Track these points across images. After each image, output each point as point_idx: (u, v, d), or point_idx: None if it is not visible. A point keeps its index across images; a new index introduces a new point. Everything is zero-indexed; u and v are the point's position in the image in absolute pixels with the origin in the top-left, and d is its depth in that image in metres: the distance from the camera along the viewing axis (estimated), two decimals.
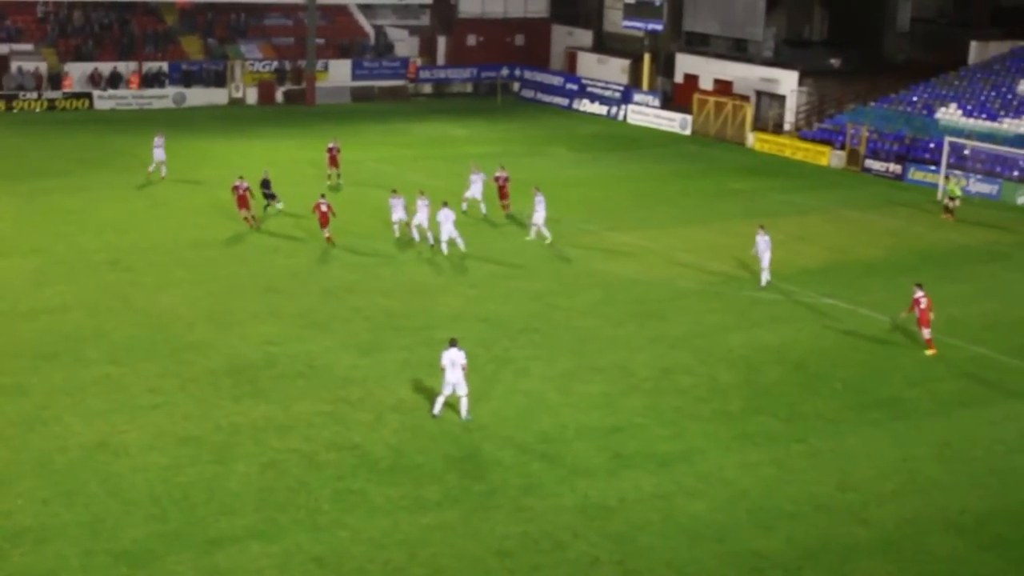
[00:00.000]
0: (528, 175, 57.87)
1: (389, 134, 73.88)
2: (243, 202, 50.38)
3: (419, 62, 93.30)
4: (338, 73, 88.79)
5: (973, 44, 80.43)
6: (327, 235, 48.21)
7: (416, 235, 49.06)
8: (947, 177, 61.73)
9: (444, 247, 47.54)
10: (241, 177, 50.88)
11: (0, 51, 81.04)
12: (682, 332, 40.11)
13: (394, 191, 50.83)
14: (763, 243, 45.46)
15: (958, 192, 59.07)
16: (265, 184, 53.41)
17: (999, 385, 36.78)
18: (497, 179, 53.90)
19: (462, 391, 32.05)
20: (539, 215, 50.09)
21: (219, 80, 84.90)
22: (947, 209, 58.73)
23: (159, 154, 57.76)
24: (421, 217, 48.71)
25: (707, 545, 26.34)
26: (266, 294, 42.10)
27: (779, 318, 42.04)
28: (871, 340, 40.15)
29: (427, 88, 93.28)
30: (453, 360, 31.94)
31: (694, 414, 33.33)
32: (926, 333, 39.11)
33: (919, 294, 39.12)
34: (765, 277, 45.49)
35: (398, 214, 49.92)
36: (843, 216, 58.01)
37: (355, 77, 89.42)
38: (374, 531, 26.25)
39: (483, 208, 53.97)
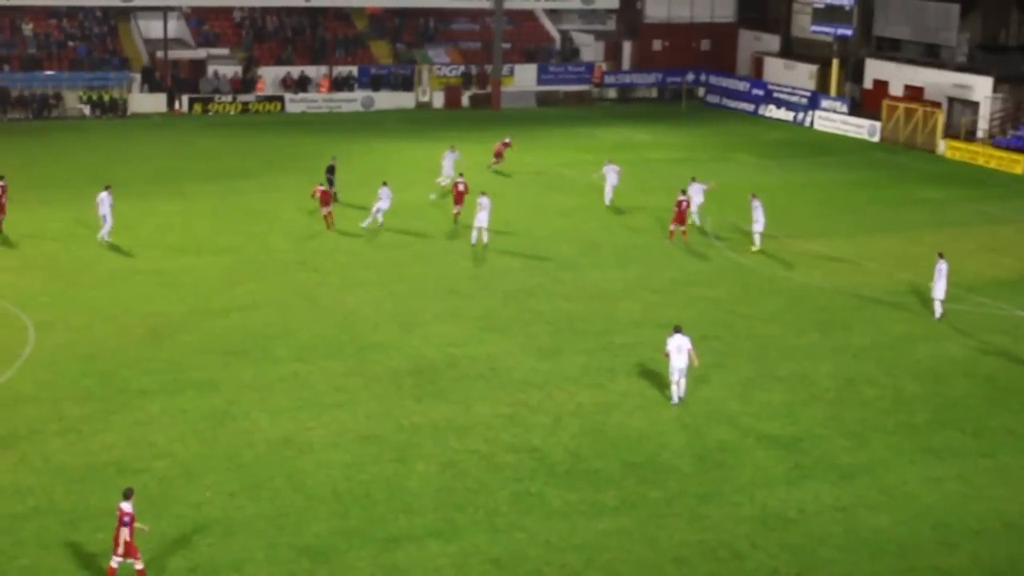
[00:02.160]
0: (714, 181, 57.38)
1: (573, 138, 74.07)
2: (459, 198, 52.04)
3: (604, 67, 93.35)
4: (523, 77, 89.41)
5: None
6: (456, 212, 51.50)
7: (474, 237, 49.23)
8: None
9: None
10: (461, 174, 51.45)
11: (198, 55, 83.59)
12: (866, 342, 39.39)
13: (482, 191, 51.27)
14: (939, 272, 42.02)
15: None
16: (330, 171, 55.26)
17: None
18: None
19: (683, 376, 33.30)
20: (759, 224, 49.50)
21: (407, 84, 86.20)
22: None
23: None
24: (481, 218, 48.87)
25: (889, 560, 25.82)
26: (448, 296, 42.58)
27: (968, 330, 40.98)
28: None
29: (612, 93, 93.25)
30: (679, 346, 33.03)
31: (877, 426, 32.70)
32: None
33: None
34: (939, 310, 42.21)
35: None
36: None
37: (540, 81, 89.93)
38: (551, 534, 26.36)
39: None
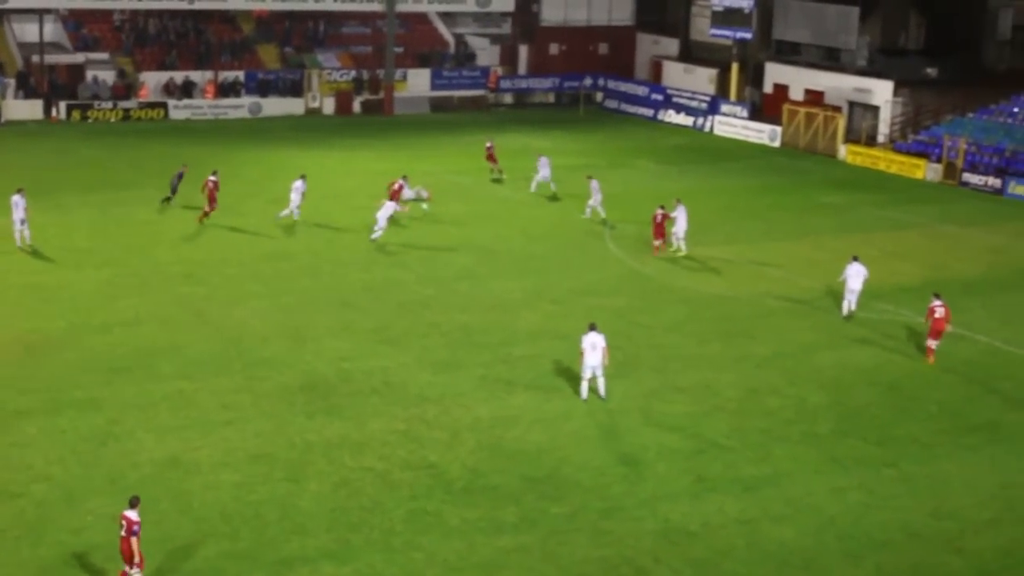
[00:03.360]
0: (612, 188, 57.75)
1: (468, 145, 74.02)
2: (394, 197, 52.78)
3: (500, 71, 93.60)
4: (417, 82, 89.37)
5: None
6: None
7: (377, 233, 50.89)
8: None
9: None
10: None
11: (76, 60, 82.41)
12: (770, 351, 39.84)
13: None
14: (853, 271, 43.43)
15: None
16: (179, 178, 55.66)
17: None
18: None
19: (600, 372, 34.32)
20: (680, 229, 50.81)
21: (296, 90, 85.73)
22: None
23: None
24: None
25: (793, 573, 26.13)
26: (341, 308, 42.37)
27: (872, 338, 41.63)
28: (968, 361, 39.65)
29: (508, 98, 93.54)
30: (594, 343, 33.98)
31: (781, 436, 33.08)
32: (931, 343, 39.38)
33: (936, 303, 39.38)
34: (846, 307, 43.56)
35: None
36: (940, 232, 57.37)
37: (434, 87, 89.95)
38: (449, 553, 26.31)
39: (600, 212, 55.45)
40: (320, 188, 58.79)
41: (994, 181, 68.04)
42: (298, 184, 53.28)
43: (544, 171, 61.21)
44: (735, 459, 31.55)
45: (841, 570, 26.37)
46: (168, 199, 55.85)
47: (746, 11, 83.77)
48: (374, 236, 50.77)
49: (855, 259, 43.91)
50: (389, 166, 64.71)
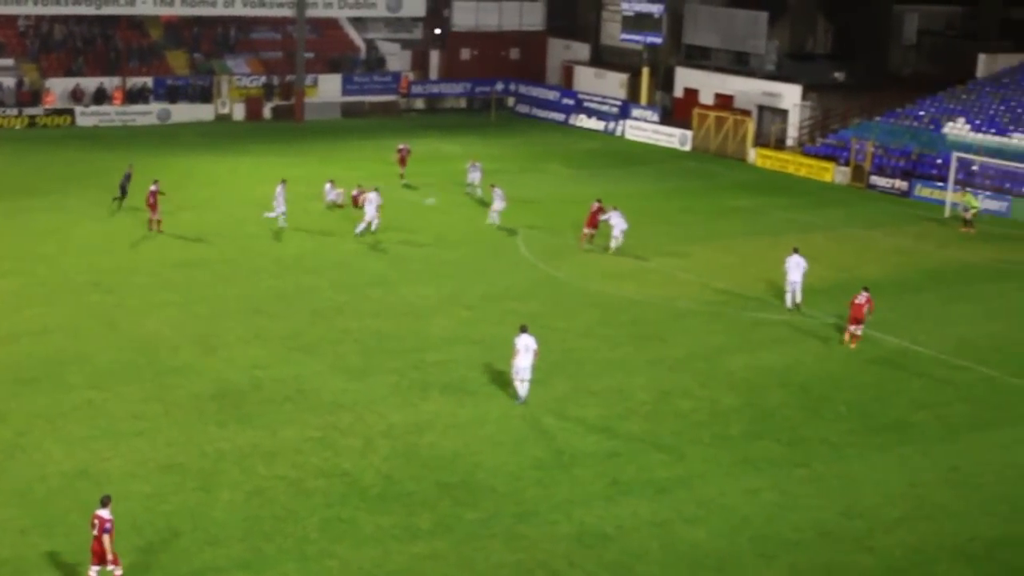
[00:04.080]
0: (524, 192, 57.91)
1: (379, 150, 73.75)
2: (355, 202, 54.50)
3: (411, 76, 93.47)
4: (328, 88, 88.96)
5: (982, 57, 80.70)
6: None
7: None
8: (963, 192, 61.77)
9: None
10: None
11: None
12: (682, 354, 40.14)
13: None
14: (793, 263, 45.13)
15: (976, 204, 59.45)
16: (127, 179, 55.97)
17: (1009, 408, 36.82)
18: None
19: (528, 376, 34.53)
20: (618, 229, 51.90)
21: (205, 96, 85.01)
22: (966, 222, 59.09)
23: None
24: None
25: (707, 574, 26.35)
26: (253, 316, 42.10)
27: (782, 339, 42.08)
28: (877, 362, 40.20)
29: (419, 103, 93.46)
30: (527, 345, 34.29)
31: (694, 439, 33.34)
32: (851, 329, 41.40)
33: (863, 294, 41.29)
34: (790, 299, 45.27)
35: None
36: (848, 234, 58.08)
37: (345, 92, 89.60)
38: (364, 561, 26.23)
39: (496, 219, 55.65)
40: (231, 195, 58.45)
41: (901, 184, 69.02)
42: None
43: (472, 175, 61.54)
44: (649, 462, 31.75)
45: (754, 570, 26.63)
46: (118, 199, 55.65)
47: (656, 16, 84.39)
48: (359, 229, 52.78)
49: (795, 251, 45.40)
50: (300, 172, 64.45)
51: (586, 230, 52.91)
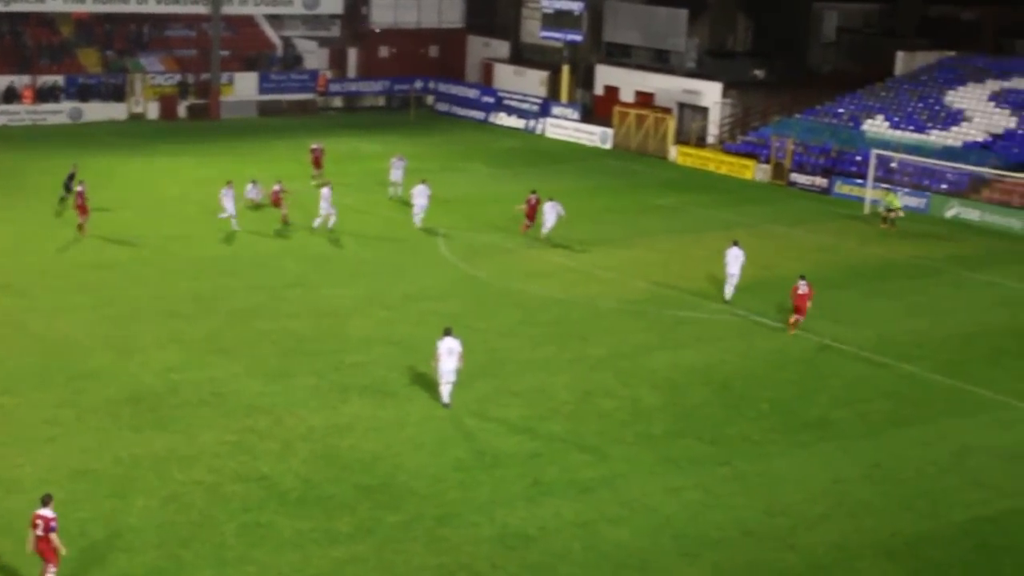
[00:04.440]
0: (444, 191, 57.83)
1: (297, 150, 73.32)
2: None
3: (329, 75, 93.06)
4: (244, 86, 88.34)
5: (900, 54, 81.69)
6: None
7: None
8: (887, 191, 62.38)
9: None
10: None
11: None
12: (604, 353, 40.26)
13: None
14: (731, 256, 46.14)
15: (898, 204, 60.11)
16: (70, 178, 55.74)
17: (929, 404, 37.28)
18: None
19: (453, 379, 34.41)
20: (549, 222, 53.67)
21: (118, 94, 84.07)
22: (885, 220, 59.74)
23: None
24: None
25: (630, 574, 26.42)
26: (168, 319, 41.71)
27: (704, 337, 42.33)
28: (799, 360, 40.55)
29: (337, 102, 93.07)
30: (451, 348, 34.07)
31: (616, 438, 33.43)
32: (793, 318, 42.85)
33: (801, 283, 42.74)
34: (729, 291, 46.38)
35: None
36: (769, 232, 58.55)
37: (262, 91, 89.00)
38: (283, 566, 26.05)
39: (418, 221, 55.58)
40: (145, 196, 57.94)
41: (821, 181, 69.70)
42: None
43: (395, 173, 61.38)
44: (571, 462, 31.80)
45: (677, 570, 26.74)
46: (63, 198, 55.44)
47: (576, 13, 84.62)
48: (316, 223, 53.61)
49: (735, 244, 46.34)
50: (215, 172, 63.94)
51: (527, 222, 54.40)
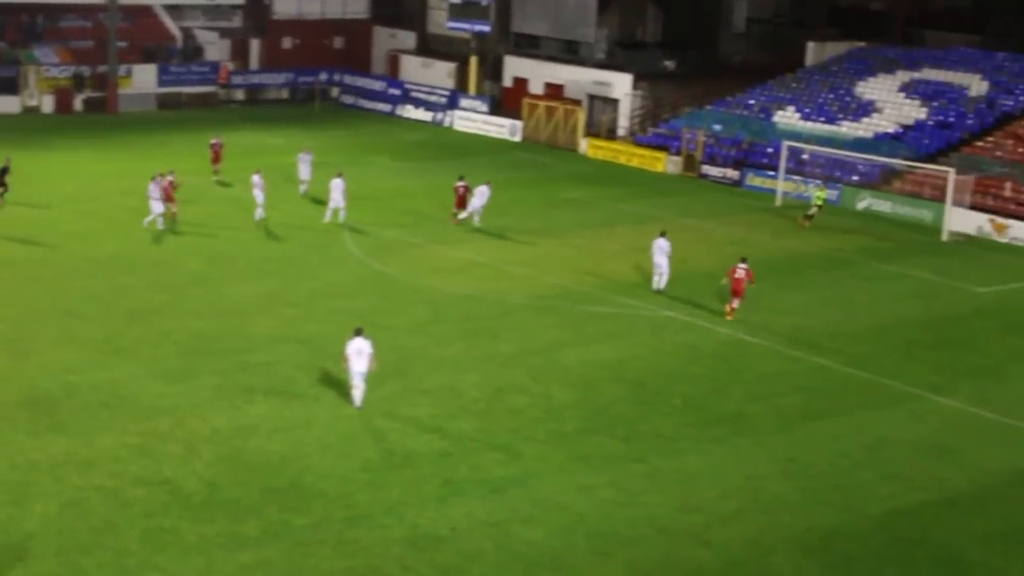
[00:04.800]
0: (351, 186, 57.46)
1: (198, 144, 72.71)
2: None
3: (231, 66, 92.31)
4: (143, 79, 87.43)
5: (810, 45, 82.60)
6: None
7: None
8: (819, 185, 62.50)
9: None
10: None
11: None
12: (514, 350, 40.31)
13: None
14: (657, 247, 46.94)
15: (821, 200, 60.22)
16: (3, 172, 55.63)
17: (842, 397, 37.74)
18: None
19: (362, 380, 34.06)
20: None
21: (11, 87, 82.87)
22: (808, 216, 59.71)
23: None
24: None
25: (543, 574, 26.47)
26: (65, 319, 41.20)
27: (616, 333, 42.53)
28: (712, 355, 40.86)
29: (240, 94, 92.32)
30: (360, 349, 33.75)
31: (528, 436, 33.49)
32: (733, 303, 44.02)
33: (740, 265, 43.98)
34: (656, 282, 47.11)
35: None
36: (681, 225, 58.85)
37: (161, 83, 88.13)
38: (187, 572, 25.81)
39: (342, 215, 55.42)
40: (40, 192, 57.19)
41: (732, 173, 70.31)
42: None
43: (303, 168, 60.88)
44: (482, 461, 31.81)
45: (591, 568, 26.84)
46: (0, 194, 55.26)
47: (484, 3, 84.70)
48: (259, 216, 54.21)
49: (662, 235, 47.18)
50: (113, 167, 63.39)
51: (455, 211, 56.03)
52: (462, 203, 56.12)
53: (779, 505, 30.23)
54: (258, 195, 54.10)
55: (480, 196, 55.71)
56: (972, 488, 31.77)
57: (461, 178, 57.15)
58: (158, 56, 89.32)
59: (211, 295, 44.57)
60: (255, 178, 54.45)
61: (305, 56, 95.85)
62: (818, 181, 64.26)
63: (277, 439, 32.46)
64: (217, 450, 31.66)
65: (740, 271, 43.81)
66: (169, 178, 53.64)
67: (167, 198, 53.26)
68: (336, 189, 54.99)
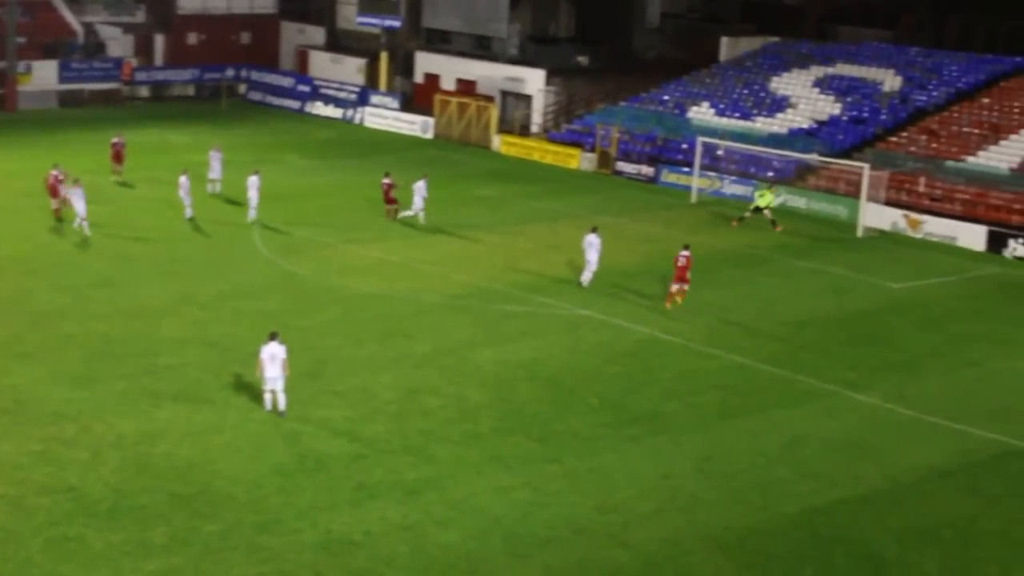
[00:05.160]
0: (260, 184, 57.15)
1: (101, 143, 71.95)
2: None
3: (134, 63, 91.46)
4: (43, 75, 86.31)
5: (724, 40, 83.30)
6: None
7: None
8: (770, 187, 62.52)
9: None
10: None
11: None
12: (428, 350, 40.29)
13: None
14: (586, 243, 47.66)
15: (765, 200, 60.03)
16: None
17: (759, 394, 38.08)
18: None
19: (280, 386, 33.76)
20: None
21: None
22: (774, 222, 59.61)
23: None
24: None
25: None
26: None
27: (531, 332, 42.62)
28: (628, 353, 41.05)
29: (144, 91, 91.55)
30: (273, 354, 33.46)
31: (443, 437, 33.49)
32: (673, 287, 45.36)
33: (683, 252, 45.23)
34: (586, 277, 47.88)
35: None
36: (596, 222, 58.96)
37: (62, 79, 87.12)
38: None
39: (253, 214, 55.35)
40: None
41: (647, 169, 70.70)
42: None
43: (214, 167, 60.28)
44: (396, 463, 31.76)
45: (508, 571, 26.87)
46: None
47: None
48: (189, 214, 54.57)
49: (593, 230, 47.95)
50: (12, 166, 62.55)
51: (387, 208, 56.75)
52: (389, 199, 56.46)
53: (696, 504, 30.45)
54: (184, 197, 53.96)
55: (419, 192, 56.13)
56: (888, 485, 32.19)
57: (387, 174, 57.30)
58: (59, 52, 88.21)
59: (116, 297, 44.14)
60: (182, 179, 54.05)
61: (211, 52, 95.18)
62: (767, 184, 63.88)
63: (185, 444, 32.21)
64: (123, 456, 31.35)
65: (682, 258, 44.96)
66: (54, 172, 52.95)
67: (52, 194, 52.49)
68: (253, 187, 54.76)
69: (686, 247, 45.56)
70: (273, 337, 34.05)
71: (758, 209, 59.74)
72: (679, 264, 44.98)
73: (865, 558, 28.28)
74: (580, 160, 73.45)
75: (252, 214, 54.77)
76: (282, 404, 34.07)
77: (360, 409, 35.13)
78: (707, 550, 28.19)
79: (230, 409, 34.48)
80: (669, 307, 44.95)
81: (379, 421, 34.37)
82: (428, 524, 28.64)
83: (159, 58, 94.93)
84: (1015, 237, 57.50)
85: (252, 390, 35.03)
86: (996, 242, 57.95)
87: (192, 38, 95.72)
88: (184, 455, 31.58)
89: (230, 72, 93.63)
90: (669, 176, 69.45)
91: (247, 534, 27.76)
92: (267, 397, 34.13)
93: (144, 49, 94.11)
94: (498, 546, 27.86)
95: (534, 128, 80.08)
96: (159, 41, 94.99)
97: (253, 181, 54.76)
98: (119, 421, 33.42)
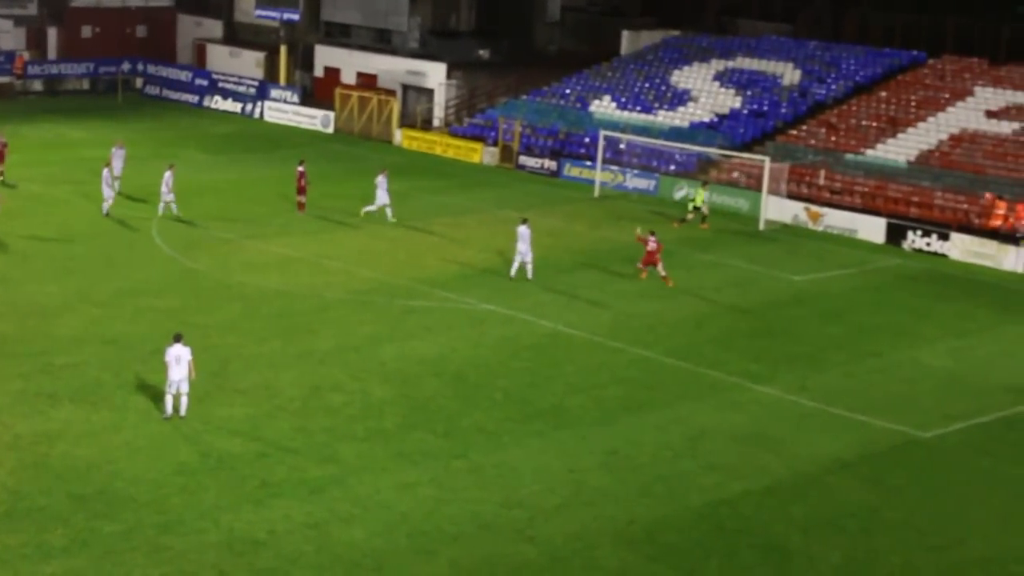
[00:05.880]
0: (158, 180, 56.57)
1: None
2: None
3: (27, 56, 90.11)
4: None
5: (625, 33, 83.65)
6: None
7: None
8: (703, 184, 62.52)
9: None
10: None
11: None
12: (331, 346, 40.14)
13: None
14: (519, 234, 48.37)
15: (698, 199, 60.02)
16: None
17: (663, 388, 38.34)
18: None
19: (184, 388, 33.34)
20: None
21: None
22: (703, 218, 59.86)
23: None
24: None
25: (365, 575, 26.42)
26: None
27: (435, 327, 42.60)
28: (532, 347, 41.16)
29: (37, 85, 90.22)
30: (178, 356, 33.00)
31: (347, 434, 33.38)
32: (640, 265, 49.13)
33: (651, 238, 48.61)
34: (515, 268, 48.74)
35: None
36: (499, 217, 59.16)
37: None
38: None
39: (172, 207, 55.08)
40: None
41: (550, 163, 70.87)
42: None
43: (116, 164, 59.20)
44: (300, 461, 31.61)
45: (414, 568, 26.85)
46: None
47: None
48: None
49: (524, 222, 48.53)
50: None
51: (299, 198, 57.48)
52: (300, 188, 56.93)
53: (602, 498, 30.60)
54: (105, 190, 53.66)
55: (382, 186, 56.44)
56: (792, 476, 32.57)
57: (301, 163, 57.39)
58: None
59: (11, 295, 43.50)
60: (105, 173, 53.80)
61: (106, 45, 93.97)
62: (704, 182, 63.70)
63: (84, 444, 31.83)
64: (20, 457, 30.92)
65: (652, 244, 48.42)
66: None
67: None
68: (167, 182, 54.33)
69: (652, 233, 49.08)
70: (178, 339, 33.60)
71: (696, 208, 60.01)
72: (648, 248, 48.40)
73: (770, 549, 28.58)
74: (483, 154, 73.49)
75: (168, 208, 54.41)
76: (183, 409, 33.60)
77: (263, 407, 34.92)
78: (613, 544, 28.34)
79: (129, 409, 34.13)
80: (644, 277, 48.77)
81: (282, 419, 34.19)
82: (333, 522, 28.54)
83: (52, 52, 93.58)
84: (914, 229, 58.33)
85: (152, 389, 34.70)
86: (895, 234, 58.77)
87: (87, 31, 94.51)
88: (83, 455, 31.21)
89: (126, 66, 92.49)
90: (572, 170, 69.65)
91: (149, 535, 27.50)
92: (168, 400, 33.62)
93: (37, 42, 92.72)
94: (403, 543, 27.83)
95: (436, 122, 79.98)
96: (52, 34, 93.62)
97: (168, 177, 54.40)
98: (15, 421, 32.97)
